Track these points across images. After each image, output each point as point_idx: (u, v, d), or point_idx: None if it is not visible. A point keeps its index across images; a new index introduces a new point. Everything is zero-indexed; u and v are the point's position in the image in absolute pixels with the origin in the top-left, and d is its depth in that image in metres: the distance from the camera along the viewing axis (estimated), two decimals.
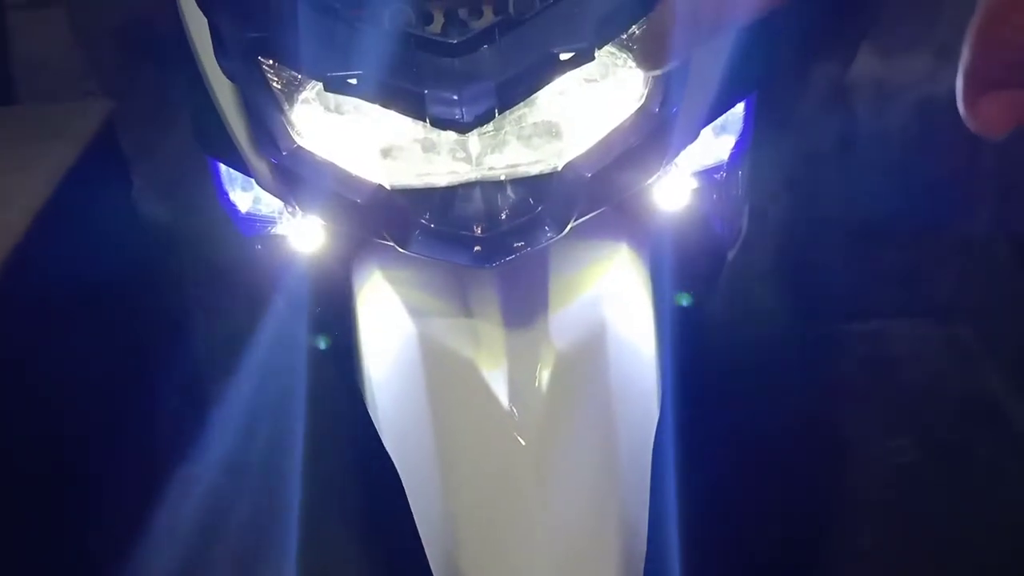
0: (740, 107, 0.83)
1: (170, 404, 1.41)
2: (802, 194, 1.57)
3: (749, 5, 0.36)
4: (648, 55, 0.42)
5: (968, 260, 1.65)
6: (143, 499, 1.31)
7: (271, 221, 0.84)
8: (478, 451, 0.72)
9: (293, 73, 0.66)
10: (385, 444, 0.75)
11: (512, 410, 0.71)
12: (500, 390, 0.72)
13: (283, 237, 0.84)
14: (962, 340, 1.62)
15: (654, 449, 0.73)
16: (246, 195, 0.84)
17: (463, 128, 0.63)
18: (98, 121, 1.40)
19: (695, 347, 0.86)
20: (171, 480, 1.32)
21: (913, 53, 1.55)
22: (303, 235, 0.82)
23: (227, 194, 0.84)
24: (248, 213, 0.84)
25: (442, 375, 0.74)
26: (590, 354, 0.73)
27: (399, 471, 0.74)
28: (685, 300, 0.89)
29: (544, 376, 0.72)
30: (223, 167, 0.83)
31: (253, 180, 0.78)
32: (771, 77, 0.91)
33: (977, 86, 0.34)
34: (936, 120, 1.58)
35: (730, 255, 0.92)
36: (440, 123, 0.63)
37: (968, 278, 1.65)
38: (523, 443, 0.70)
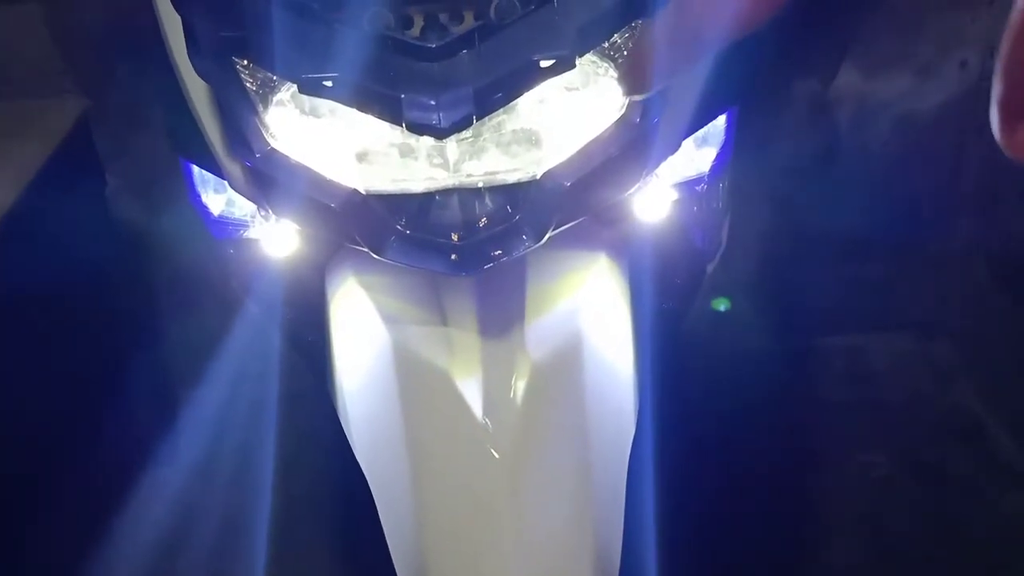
0: (721, 119, 0.82)
1: (139, 408, 1.39)
2: (782, 208, 1.57)
3: (730, 27, 0.35)
4: (632, 81, 0.41)
5: (946, 276, 1.66)
6: (110, 504, 1.29)
7: (244, 224, 0.83)
8: (450, 463, 0.70)
9: (268, 74, 0.65)
10: (356, 454, 0.74)
11: (486, 421, 0.70)
12: (474, 400, 0.70)
13: (256, 241, 0.83)
14: (940, 356, 1.63)
15: (630, 462, 0.72)
16: (219, 197, 0.83)
17: (440, 134, 0.62)
18: (73, 119, 1.38)
19: (673, 359, 0.85)
20: (139, 485, 1.30)
21: (895, 70, 1.56)
22: (276, 239, 0.81)
23: (199, 196, 0.83)
24: (220, 216, 0.83)
25: (415, 384, 0.72)
26: (566, 365, 0.72)
27: (369, 481, 0.72)
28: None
29: (519, 387, 0.71)
30: (196, 169, 0.82)
31: (226, 182, 0.76)
32: (753, 91, 0.90)
33: (1014, 114, 0.33)
34: (917, 137, 1.58)
35: (709, 268, 0.91)
36: (417, 128, 0.62)
37: (946, 294, 1.66)
38: (496, 455, 0.69)
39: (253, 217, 0.82)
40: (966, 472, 1.43)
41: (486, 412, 0.70)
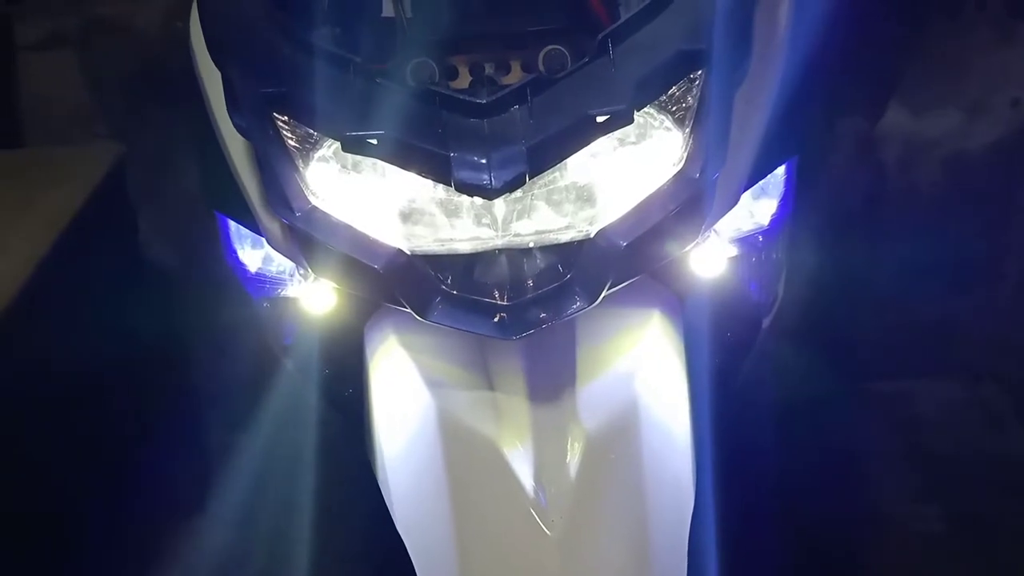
0: (780, 170, 0.79)
1: (170, 457, 1.36)
2: (830, 251, 1.53)
3: None
4: None
5: (996, 320, 1.61)
6: (142, 553, 1.26)
7: (281, 282, 0.80)
8: (499, 539, 0.66)
9: (309, 130, 0.62)
10: (397, 524, 0.70)
11: (537, 495, 0.66)
12: (524, 472, 0.67)
13: (293, 299, 0.80)
14: (991, 403, 1.57)
15: (690, 536, 0.68)
16: (255, 253, 0.80)
17: (491, 194, 0.59)
18: (106, 165, 1.37)
19: (727, 418, 0.81)
20: (172, 534, 1.27)
21: (944, 109, 1.52)
22: (315, 297, 0.78)
23: (235, 252, 0.80)
24: (257, 273, 0.80)
25: (461, 453, 0.69)
26: (622, 434, 0.68)
27: (411, 555, 0.69)
28: None
29: (573, 458, 0.67)
30: (232, 224, 0.79)
31: (263, 239, 0.73)
32: (813, 139, 0.87)
33: None
34: (966, 177, 1.54)
35: (765, 322, 0.87)
36: (466, 188, 0.59)
37: (996, 338, 1.61)
38: (548, 532, 0.65)
39: (291, 275, 0.79)
40: (1021, 523, 1.37)
41: (537, 485, 0.66)
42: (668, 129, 0.63)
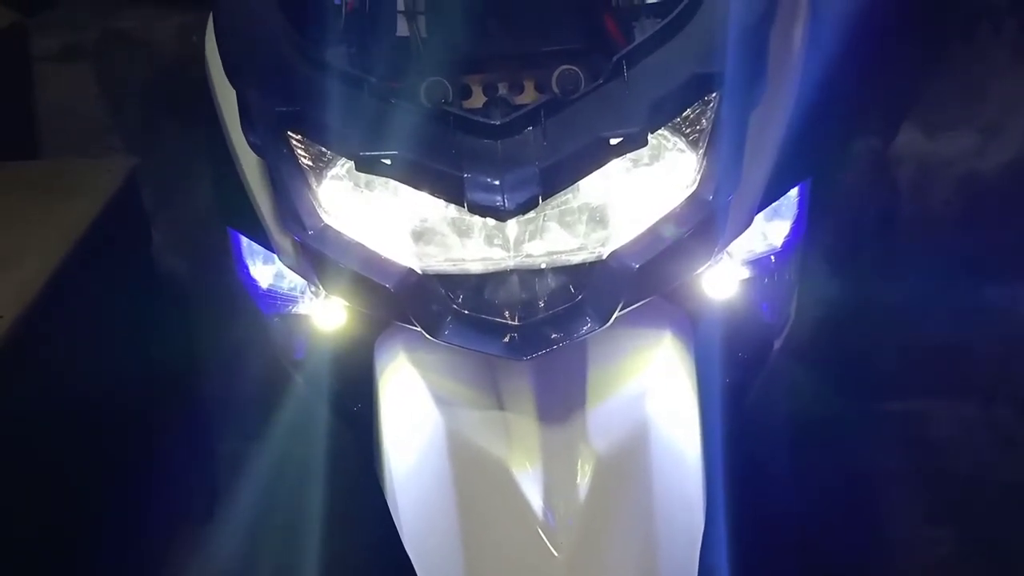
0: (793, 191, 0.78)
1: (176, 468, 1.36)
2: (843, 270, 1.52)
3: None
4: None
5: (1011, 339, 1.59)
6: (146, 563, 1.26)
7: (292, 299, 0.80)
8: (506, 560, 0.66)
9: (323, 149, 0.62)
10: (404, 542, 0.70)
11: (546, 516, 0.65)
12: (533, 493, 0.66)
13: (305, 316, 0.80)
14: (1004, 422, 1.56)
15: (701, 557, 0.67)
16: (267, 269, 0.80)
17: (504, 215, 0.59)
18: (121, 177, 1.38)
19: (738, 438, 0.81)
20: (185, 556, 1.27)
21: (958, 131, 1.52)
22: (326, 314, 0.78)
23: (248, 268, 0.81)
24: (269, 289, 0.80)
25: (470, 473, 0.68)
26: (631, 457, 0.68)
27: (418, 573, 0.69)
28: None
29: (582, 479, 0.67)
30: (244, 240, 0.80)
31: (276, 256, 0.74)
32: (827, 162, 0.87)
33: None
34: (980, 198, 1.54)
35: (777, 343, 0.87)
36: (479, 209, 0.59)
37: (1011, 360, 1.59)
38: (556, 554, 0.65)
39: (303, 292, 0.79)
40: None
41: (546, 505, 0.66)
42: (682, 151, 0.63)
